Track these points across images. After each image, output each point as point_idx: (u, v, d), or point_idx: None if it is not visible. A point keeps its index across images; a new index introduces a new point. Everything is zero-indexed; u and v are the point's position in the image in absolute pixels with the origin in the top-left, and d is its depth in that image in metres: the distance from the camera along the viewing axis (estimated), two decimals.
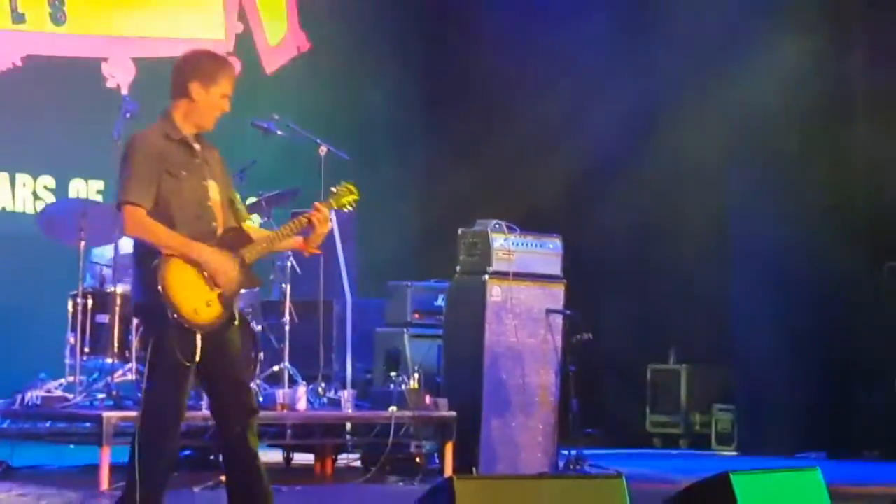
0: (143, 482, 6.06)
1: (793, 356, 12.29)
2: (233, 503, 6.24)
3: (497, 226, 10.01)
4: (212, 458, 9.37)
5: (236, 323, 6.26)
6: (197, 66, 6.19)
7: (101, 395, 9.06)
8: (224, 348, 6.15)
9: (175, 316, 5.95)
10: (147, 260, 6.03)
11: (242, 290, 6.41)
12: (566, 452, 10.12)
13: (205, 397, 8.78)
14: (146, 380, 6.22)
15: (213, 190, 6.20)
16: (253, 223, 6.90)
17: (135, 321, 9.05)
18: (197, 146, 6.21)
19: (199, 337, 6.00)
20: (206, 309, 6.04)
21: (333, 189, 6.60)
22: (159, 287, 5.95)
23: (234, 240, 6.20)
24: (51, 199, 11.98)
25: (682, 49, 12.48)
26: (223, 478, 8.56)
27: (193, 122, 6.19)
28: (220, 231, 6.17)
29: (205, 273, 6.06)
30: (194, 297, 6.02)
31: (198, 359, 5.99)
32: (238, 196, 6.49)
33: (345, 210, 6.59)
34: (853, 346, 12.06)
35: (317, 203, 6.37)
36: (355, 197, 6.59)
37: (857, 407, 12.01)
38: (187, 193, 6.10)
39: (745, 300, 12.76)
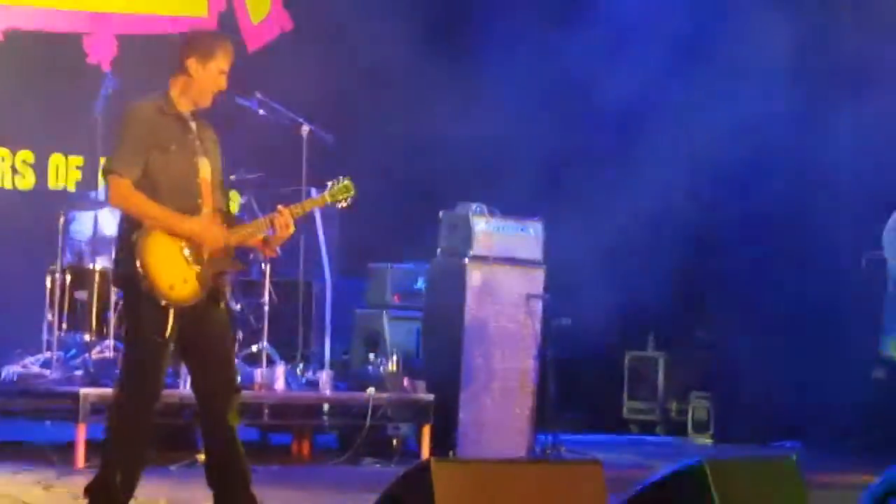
0: (119, 459, 6.09)
1: (771, 345, 12.33)
2: (211, 480, 6.25)
3: (478, 209, 10.03)
4: (188, 436, 9.38)
5: (221, 304, 6.27)
6: (195, 42, 6.27)
7: (78, 372, 9.06)
8: (206, 326, 6.16)
9: (149, 290, 5.97)
10: (129, 232, 6.05)
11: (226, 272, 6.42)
12: (544, 437, 10.15)
13: (183, 376, 8.84)
14: (123, 355, 6.27)
15: (204, 168, 6.23)
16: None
17: (114, 297, 9.06)
18: (192, 123, 6.24)
19: (171, 313, 6.00)
20: (182, 285, 6.05)
21: (329, 183, 6.61)
22: (137, 260, 5.97)
23: (222, 221, 6.22)
24: (30, 174, 11.95)
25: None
26: (200, 456, 8.61)
27: (190, 97, 6.23)
28: (204, 209, 6.18)
29: (186, 250, 6.07)
30: (171, 273, 6.04)
31: (168, 335, 5.99)
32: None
33: (339, 205, 6.59)
34: (832, 336, 12.09)
35: (281, 207, 6.38)
36: (351, 194, 6.62)
37: (834, 396, 12.05)
38: (175, 168, 6.13)
39: (724, 288, 12.80)
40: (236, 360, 9.56)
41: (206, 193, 6.20)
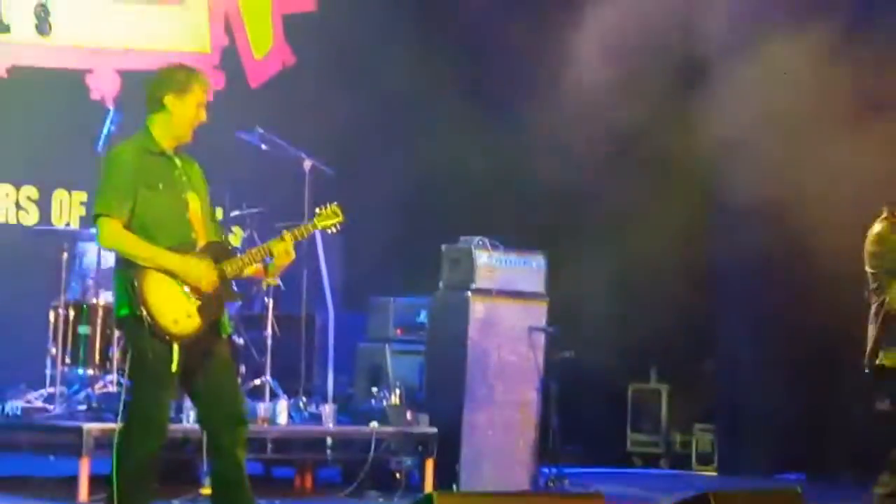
0: (124, 494, 6.08)
1: (774, 377, 12.31)
2: None
3: (481, 242, 10.04)
4: (190, 471, 9.38)
5: (224, 336, 6.28)
6: (170, 78, 6.27)
7: (81, 407, 9.07)
8: (211, 359, 6.17)
9: (153, 327, 5.98)
10: (126, 271, 6.07)
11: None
12: (546, 470, 10.14)
13: (185, 410, 8.84)
14: (128, 391, 6.25)
15: (193, 202, 6.25)
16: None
17: (116, 333, 9.06)
18: (177, 160, 6.26)
19: (176, 348, 6.01)
20: (186, 320, 6.07)
21: (318, 210, 6.61)
22: (137, 298, 5.99)
23: (216, 253, 6.23)
24: (34, 210, 11.98)
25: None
26: (203, 490, 8.63)
27: (172, 134, 6.25)
28: (200, 243, 6.20)
29: (185, 285, 6.09)
30: (174, 309, 6.05)
31: (174, 369, 6.00)
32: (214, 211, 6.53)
33: (329, 232, 6.60)
34: (835, 369, 12.07)
35: (286, 232, 6.37)
36: (339, 220, 6.60)
37: (838, 429, 12.04)
38: (165, 206, 6.15)
39: (727, 320, 12.79)
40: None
41: (199, 227, 6.22)
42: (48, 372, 9.46)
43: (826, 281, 11.82)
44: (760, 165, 12.00)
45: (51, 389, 9.36)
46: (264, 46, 13.60)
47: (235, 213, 10.09)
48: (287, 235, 6.35)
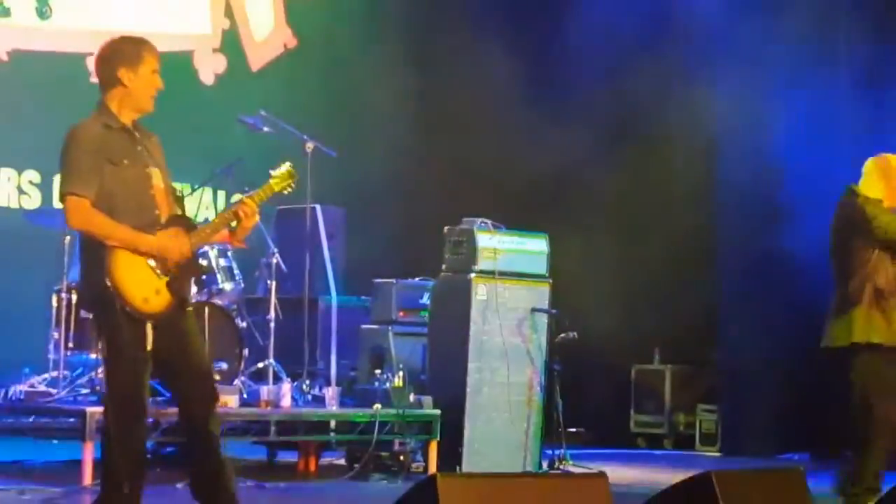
0: (118, 476, 6.09)
1: (778, 358, 12.31)
2: (196, 490, 6.25)
3: (483, 224, 10.03)
4: None
5: (189, 309, 6.29)
6: (120, 52, 6.24)
7: (84, 391, 9.07)
8: (181, 337, 6.17)
9: (125, 307, 5.98)
10: (93, 252, 6.06)
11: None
12: (550, 452, 10.14)
13: None
14: (105, 375, 6.27)
15: (156, 177, 6.24)
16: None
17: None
18: (137, 134, 6.25)
19: (149, 326, 6.03)
20: (155, 297, 6.08)
21: (272, 172, 6.55)
22: (107, 279, 5.99)
23: (179, 226, 6.22)
24: (35, 194, 11.98)
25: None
26: None
27: (131, 107, 6.24)
28: (163, 218, 6.19)
29: (152, 262, 6.09)
30: (143, 287, 6.05)
31: (148, 347, 6.01)
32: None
33: (284, 193, 6.58)
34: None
35: (244, 197, 6.39)
36: (295, 179, 6.57)
37: (841, 409, 12.02)
38: (130, 182, 6.13)
39: (731, 302, 12.79)
40: (243, 378, 9.62)
41: (162, 203, 6.22)
42: (51, 356, 9.46)
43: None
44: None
45: (54, 373, 9.36)
46: (266, 29, 13.59)
47: (237, 195, 10.06)
48: (247, 199, 6.34)
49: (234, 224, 6.37)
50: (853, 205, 7.95)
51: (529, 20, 13.15)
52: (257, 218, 6.39)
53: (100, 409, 8.55)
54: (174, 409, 8.65)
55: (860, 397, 8.01)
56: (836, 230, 8.07)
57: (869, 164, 8.08)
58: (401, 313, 10.72)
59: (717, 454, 12.91)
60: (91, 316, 6.82)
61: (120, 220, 6.05)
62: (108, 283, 5.99)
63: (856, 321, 7.93)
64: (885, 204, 7.98)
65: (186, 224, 6.27)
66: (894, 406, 7.92)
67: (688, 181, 12.83)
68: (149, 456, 7.55)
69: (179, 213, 6.34)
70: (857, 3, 12.40)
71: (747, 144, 12.47)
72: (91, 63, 12.03)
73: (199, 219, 10.19)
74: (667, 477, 8.12)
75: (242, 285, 10.08)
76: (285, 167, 6.57)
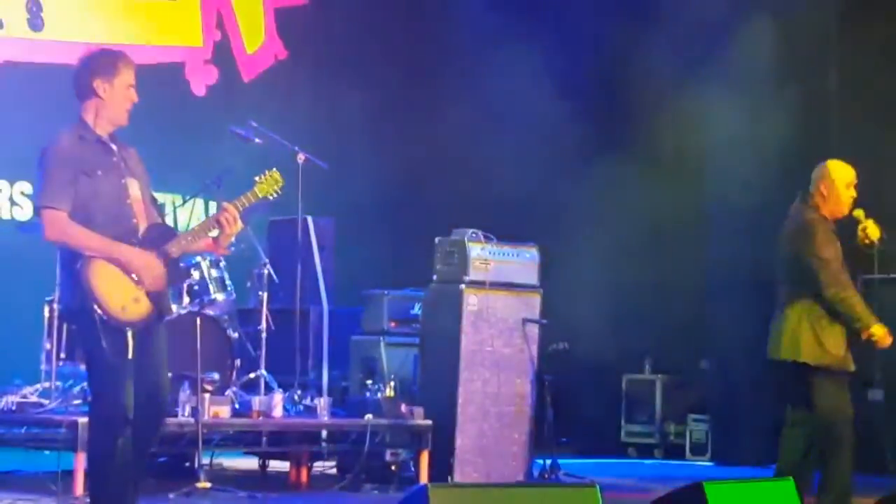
0: (107, 485, 6.11)
1: (767, 368, 12.29)
2: None
3: (474, 235, 10.03)
4: (186, 464, 9.38)
5: (163, 321, 6.33)
6: (95, 63, 6.27)
7: (76, 401, 9.05)
8: (150, 348, 6.20)
9: (103, 315, 6.02)
10: (71, 263, 6.09)
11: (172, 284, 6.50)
12: (541, 461, 10.14)
13: (180, 404, 8.84)
14: (89, 384, 6.30)
15: (133, 187, 6.26)
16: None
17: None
18: (113, 146, 6.27)
19: (130, 334, 6.07)
20: (134, 305, 6.11)
21: (257, 178, 6.57)
22: (85, 288, 6.02)
23: (159, 236, 6.26)
24: (27, 205, 11.96)
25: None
26: (199, 484, 8.63)
27: (106, 118, 6.26)
28: (142, 228, 6.22)
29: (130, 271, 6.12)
30: (121, 295, 6.09)
31: (129, 356, 6.04)
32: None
33: (269, 198, 6.58)
34: None
35: (226, 203, 6.42)
36: (280, 184, 6.59)
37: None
38: (105, 193, 6.16)
39: (721, 312, 12.79)
40: (234, 388, 9.61)
41: (140, 212, 6.24)
42: (43, 367, 9.45)
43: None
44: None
45: (46, 384, 9.34)
46: (256, 40, 13.60)
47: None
48: (228, 205, 6.37)
49: (215, 232, 6.39)
50: (807, 229, 7.97)
51: (517, 37, 13.13)
52: (240, 224, 6.40)
53: None
54: (169, 420, 8.68)
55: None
56: (790, 240, 8.09)
57: (816, 171, 8.08)
58: (392, 324, 10.73)
59: (708, 463, 12.92)
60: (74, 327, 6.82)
61: (96, 230, 6.08)
62: (87, 293, 6.02)
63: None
64: (826, 209, 7.96)
65: (166, 233, 6.31)
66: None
67: (678, 196, 12.85)
68: (150, 464, 7.55)
69: (161, 222, 6.38)
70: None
71: (736, 159, 12.49)
72: None
73: None
74: (658, 486, 8.12)
75: (234, 296, 10.07)
76: (269, 173, 6.59)
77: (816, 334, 7.91)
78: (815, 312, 7.93)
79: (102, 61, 6.27)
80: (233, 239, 6.50)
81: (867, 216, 8.29)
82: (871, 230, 8.24)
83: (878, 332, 7.90)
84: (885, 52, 12.14)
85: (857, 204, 8.20)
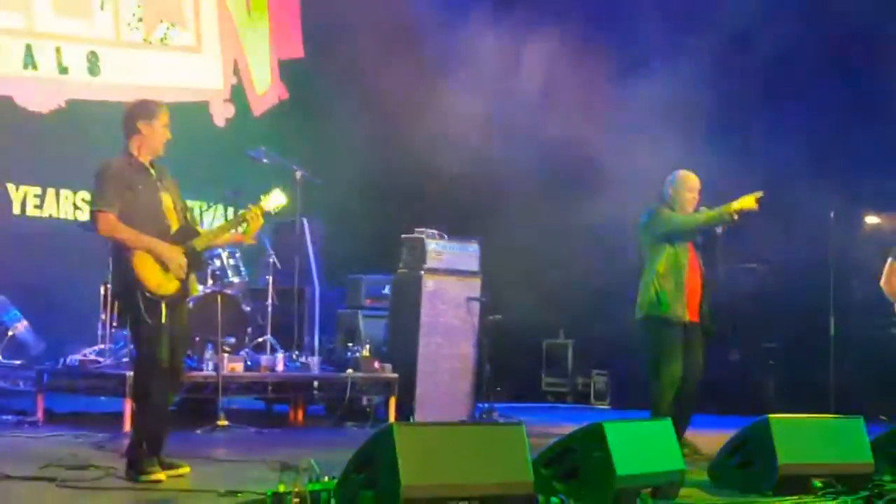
0: (144, 423, 6.17)
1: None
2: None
3: (431, 233, 10.04)
4: (210, 407, 9.34)
5: (192, 294, 6.52)
6: (140, 109, 6.38)
7: (125, 359, 9.00)
8: (177, 319, 6.25)
9: (144, 291, 6.10)
10: (120, 253, 6.18)
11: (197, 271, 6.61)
12: (481, 405, 10.15)
13: (204, 361, 8.79)
14: (134, 348, 6.36)
15: (167, 199, 6.35)
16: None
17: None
18: (152, 170, 6.35)
19: (163, 305, 6.13)
20: (167, 283, 6.19)
21: (263, 195, 6.66)
22: (130, 272, 6.11)
23: (185, 235, 6.35)
24: (86, 209, 11.86)
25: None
26: (220, 422, 8.58)
27: (148, 150, 6.34)
28: (173, 229, 6.31)
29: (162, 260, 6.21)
30: (157, 276, 6.16)
31: (163, 321, 6.10)
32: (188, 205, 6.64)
33: (272, 211, 6.66)
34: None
35: (250, 205, 6.56)
36: (281, 204, 6.70)
37: (710, 373, 12.05)
38: (145, 203, 6.24)
39: (616, 290, 12.80)
40: (247, 349, 9.57)
41: (172, 217, 6.33)
42: (99, 333, 9.40)
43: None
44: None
45: (102, 346, 9.30)
46: (264, 84, 13.54)
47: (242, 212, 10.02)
48: (252, 207, 6.54)
49: (243, 227, 6.54)
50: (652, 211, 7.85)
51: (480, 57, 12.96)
52: (262, 221, 6.54)
53: None
54: (194, 374, 8.64)
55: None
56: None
57: (670, 178, 7.97)
58: (368, 301, 10.72)
59: (607, 407, 12.96)
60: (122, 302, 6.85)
61: (138, 229, 6.18)
62: (133, 275, 6.11)
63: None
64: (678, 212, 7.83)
65: (191, 232, 6.39)
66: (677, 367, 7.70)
67: (587, 203, 12.82)
68: (174, 408, 7.52)
69: (187, 224, 6.44)
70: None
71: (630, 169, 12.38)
72: None
73: None
74: (570, 424, 8.15)
75: (247, 279, 10.04)
76: (277, 191, 6.69)
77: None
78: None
79: (146, 107, 6.37)
80: (256, 230, 6.57)
81: None
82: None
83: (743, 203, 7.52)
84: None
85: None
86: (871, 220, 12.38)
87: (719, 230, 7.76)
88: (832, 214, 9.46)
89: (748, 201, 7.46)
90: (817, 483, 6.01)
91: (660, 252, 7.75)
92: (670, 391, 7.67)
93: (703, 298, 7.81)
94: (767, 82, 12.48)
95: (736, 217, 7.53)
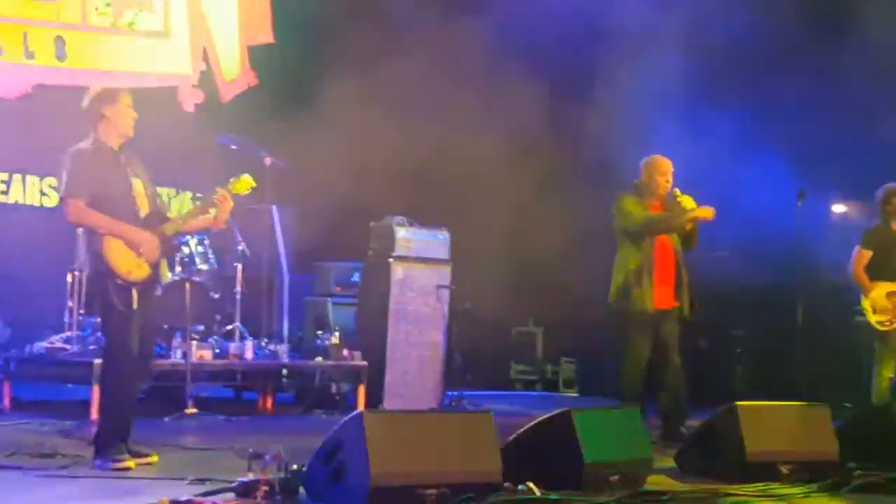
0: (113, 410, 6.16)
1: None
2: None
3: (400, 220, 10.03)
4: (178, 395, 9.31)
5: (163, 281, 6.51)
6: (101, 95, 6.44)
7: (92, 346, 8.97)
8: (146, 306, 6.25)
9: (115, 277, 6.10)
10: (91, 240, 6.18)
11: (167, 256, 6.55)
12: (450, 393, 10.17)
13: (172, 349, 8.77)
14: (103, 331, 6.37)
15: (137, 185, 6.35)
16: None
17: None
18: (122, 155, 6.34)
19: (134, 291, 6.13)
20: (137, 270, 6.19)
21: (232, 179, 6.64)
22: (101, 258, 6.12)
23: (155, 220, 6.35)
24: (53, 195, 11.79)
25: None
26: (188, 410, 8.56)
27: (116, 133, 6.34)
28: (143, 214, 6.31)
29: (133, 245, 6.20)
30: (128, 262, 6.16)
31: (135, 307, 6.11)
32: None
33: (241, 194, 6.65)
34: None
35: (218, 188, 6.52)
36: (250, 186, 6.66)
37: None
38: (115, 188, 6.24)
39: (586, 280, 12.85)
40: (216, 337, 9.55)
41: (142, 203, 6.33)
42: (66, 320, 9.36)
43: None
44: None
45: (68, 333, 9.25)
46: (233, 71, 13.44)
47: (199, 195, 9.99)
48: (220, 189, 6.49)
49: (213, 212, 6.52)
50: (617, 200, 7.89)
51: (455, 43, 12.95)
52: (231, 203, 6.52)
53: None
54: (162, 361, 8.62)
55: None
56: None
57: (642, 162, 8.03)
58: (337, 288, 10.71)
59: (576, 395, 13.01)
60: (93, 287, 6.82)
61: (108, 215, 6.16)
62: (104, 262, 6.11)
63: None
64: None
65: (161, 217, 6.39)
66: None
67: (555, 194, 12.88)
68: (142, 395, 7.51)
69: (156, 210, 6.44)
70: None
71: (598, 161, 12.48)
72: None
73: None
74: (538, 412, 8.17)
75: (216, 266, 10.00)
76: (244, 176, 6.66)
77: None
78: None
79: (106, 93, 6.45)
80: (227, 216, 6.56)
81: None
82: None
83: (698, 213, 7.63)
84: None
85: None
86: (839, 208, 12.49)
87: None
88: (799, 203, 9.52)
89: (706, 212, 7.65)
90: (784, 470, 6.06)
91: (626, 239, 7.81)
92: (634, 378, 7.73)
93: (677, 285, 7.84)
94: (732, 67, 12.55)
95: (689, 227, 7.70)
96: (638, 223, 7.74)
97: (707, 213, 7.68)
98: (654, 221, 7.72)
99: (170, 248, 6.45)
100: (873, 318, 8.80)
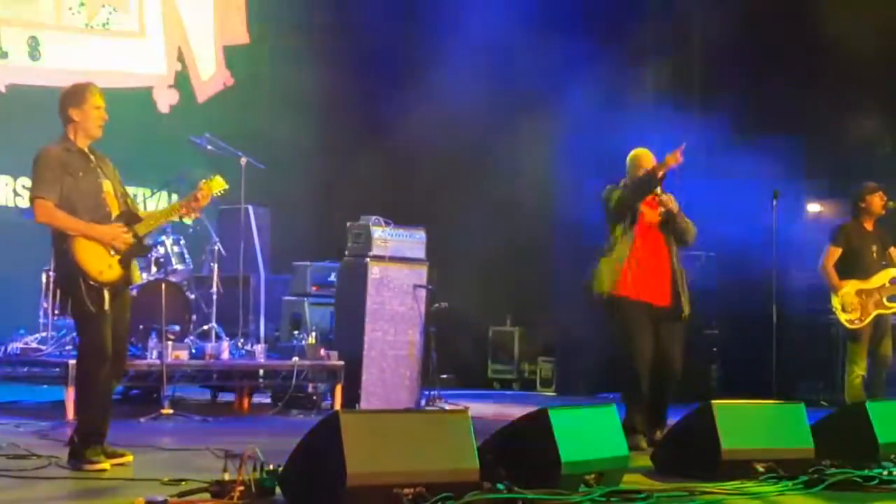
0: (88, 410, 6.14)
1: (597, 322, 12.38)
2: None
3: (376, 220, 10.02)
4: (154, 396, 9.28)
5: (134, 282, 6.43)
6: (69, 95, 6.33)
7: (67, 347, 8.93)
8: (119, 305, 6.21)
9: (86, 278, 6.06)
10: (60, 241, 6.13)
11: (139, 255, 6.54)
12: (427, 392, 10.17)
13: (149, 349, 8.73)
14: (77, 332, 6.33)
15: (107, 185, 6.31)
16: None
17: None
18: (91, 156, 6.31)
19: (106, 292, 6.09)
20: (108, 271, 6.15)
21: (205, 180, 6.61)
22: (72, 259, 6.07)
23: (127, 220, 6.30)
24: (27, 195, 11.73)
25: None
26: (164, 411, 8.53)
27: (84, 134, 6.29)
28: (114, 214, 6.27)
29: (104, 245, 6.16)
30: (99, 263, 6.12)
31: (106, 308, 6.07)
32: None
33: (215, 195, 6.63)
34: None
35: (200, 184, 6.50)
36: (222, 188, 6.65)
37: None
38: (85, 189, 6.20)
39: (562, 280, 12.88)
40: (192, 337, 9.51)
41: (112, 203, 6.29)
42: (41, 321, 9.31)
43: None
44: None
45: (43, 334, 9.21)
46: (209, 71, 13.44)
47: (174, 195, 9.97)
48: (203, 184, 6.48)
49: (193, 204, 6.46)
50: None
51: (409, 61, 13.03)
52: (210, 198, 6.49)
53: None
54: (139, 362, 8.58)
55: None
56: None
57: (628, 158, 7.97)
58: (314, 288, 10.69)
59: (553, 394, 13.03)
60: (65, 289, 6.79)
61: (79, 216, 6.13)
62: (73, 263, 6.07)
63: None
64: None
65: (132, 217, 6.34)
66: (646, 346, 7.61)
67: (532, 193, 12.89)
68: (117, 396, 7.48)
69: (130, 210, 6.40)
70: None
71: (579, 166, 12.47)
72: None
73: None
74: (515, 411, 8.18)
75: (192, 266, 9.98)
76: (214, 177, 6.66)
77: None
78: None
79: (74, 92, 6.32)
80: (198, 214, 6.60)
81: None
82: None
83: (667, 160, 7.44)
84: None
85: None
86: (813, 207, 12.56)
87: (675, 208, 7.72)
88: (774, 202, 9.56)
89: (670, 158, 7.43)
90: (759, 468, 6.08)
91: (614, 233, 7.81)
92: (643, 368, 7.60)
93: (672, 283, 7.75)
94: (709, 67, 12.62)
95: (659, 175, 7.49)
96: (615, 200, 7.68)
97: (673, 157, 7.47)
98: (627, 191, 7.66)
99: (142, 248, 6.41)
100: (843, 317, 8.82)
